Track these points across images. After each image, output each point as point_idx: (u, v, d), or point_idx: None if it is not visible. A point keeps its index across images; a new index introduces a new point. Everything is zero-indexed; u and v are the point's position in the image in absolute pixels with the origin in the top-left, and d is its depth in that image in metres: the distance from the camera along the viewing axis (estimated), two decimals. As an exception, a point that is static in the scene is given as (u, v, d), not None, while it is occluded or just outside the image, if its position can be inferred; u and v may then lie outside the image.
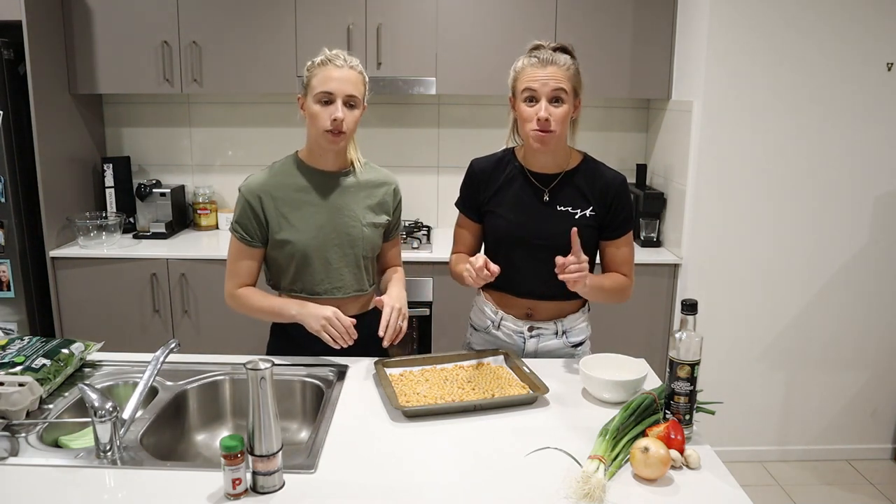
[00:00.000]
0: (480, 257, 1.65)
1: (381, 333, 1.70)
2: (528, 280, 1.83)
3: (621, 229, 1.82)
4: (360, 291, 1.86)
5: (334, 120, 1.68)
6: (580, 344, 1.92)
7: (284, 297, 1.83)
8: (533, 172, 1.81)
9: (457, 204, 1.93)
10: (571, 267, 1.62)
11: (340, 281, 1.82)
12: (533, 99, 1.69)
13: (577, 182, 1.80)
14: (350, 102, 1.70)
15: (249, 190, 1.77)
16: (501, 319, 1.89)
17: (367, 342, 1.87)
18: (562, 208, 1.79)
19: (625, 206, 1.81)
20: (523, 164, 1.83)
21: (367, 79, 1.77)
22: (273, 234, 1.78)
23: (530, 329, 1.87)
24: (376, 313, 1.91)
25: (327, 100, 1.69)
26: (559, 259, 1.62)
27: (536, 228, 1.79)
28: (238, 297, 1.81)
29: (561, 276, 1.62)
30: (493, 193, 1.83)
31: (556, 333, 1.88)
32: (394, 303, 1.73)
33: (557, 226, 1.77)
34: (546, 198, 1.80)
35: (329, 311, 1.69)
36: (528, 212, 1.80)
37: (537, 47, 1.74)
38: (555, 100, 1.68)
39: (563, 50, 1.73)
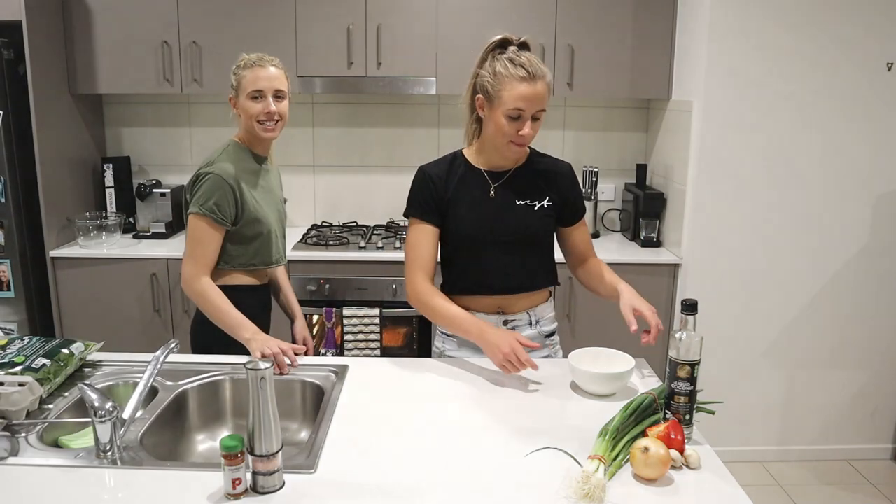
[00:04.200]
0: (518, 351, 1.64)
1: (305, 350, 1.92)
2: (498, 277, 1.83)
3: (578, 213, 1.91)
4: (286, 258, 2.16)
5: (268, 112, 1.90)
6: (552, 334, 1.93)
7: (241, 316, 1.85)
8: (488, 171, 1.83)
9: (412, 214, 1.83)
10: (654, 327, 1.67)
11: (281, 251, 2.09)
12: (518, 117, 1.68)
13: (530, 175, 1.84)
14: (278, 95, 1.93)
15: (229, 174, 1.89)
16: None
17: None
18: (521, 202, 1.82)
19: (577, 191, 1.90)
20: (476, 164, 1.83)
21: (287, 74, 1.99)
22: (248, 213, 1.92)
23: (504, 323, 1.86)
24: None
25: (259, 96, 1.90)
26: (644, 333, 1.67)
27: (501, 225, 1.80)
28: (203, 291, 1.86)
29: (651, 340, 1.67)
30: (451, 196, 1.81)
31: (530, 323, 1.89)
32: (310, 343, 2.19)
33: (520, 220, 1.81)
34: (492, 193, 1.80)
35: (277, 348, 1.75)
36: (489, 210, 1.80)
37: (506, 42, 1.71)
38: (536, 118, 1.71)
39: (526, 46, 1.73)
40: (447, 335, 1.92)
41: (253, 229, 1.95)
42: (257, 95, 1.90)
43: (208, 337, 1.92)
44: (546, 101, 1.69)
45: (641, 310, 1.71)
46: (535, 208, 1.82)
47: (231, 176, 1.89)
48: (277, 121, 1.94)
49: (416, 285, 1.80)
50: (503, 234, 1.80)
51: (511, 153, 1.75)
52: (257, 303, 2.04)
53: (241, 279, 1.99)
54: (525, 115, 1.68)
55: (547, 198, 1.84)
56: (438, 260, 1.86)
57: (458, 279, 1.88)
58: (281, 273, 2.21)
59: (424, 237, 1.82)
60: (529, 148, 1.87)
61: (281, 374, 1.72)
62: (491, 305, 1.85)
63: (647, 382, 1.70)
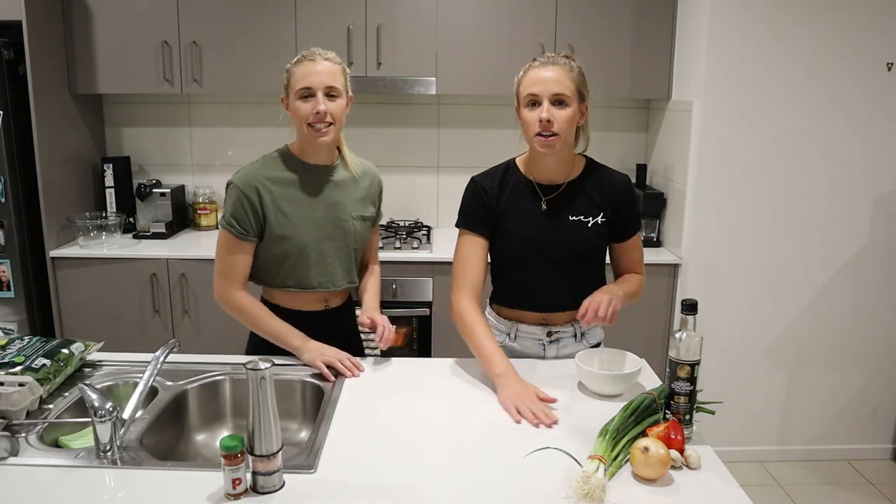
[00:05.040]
0: (536, 405, 1.53)
1: (382, 347, 1.76)
2: (544, 294, 1.79)
3: (632, 230, 1.81)
4: (351, 283, 1.89)
5: (317, 113, 1.69)
6: (598, 345, 1.89)
7: (288, 326, 1.80)
8: (539, 184, 1.77)
9: (463, 224, 1.80)
10: (601, 312, 1.60)
11: (332, 274, 1.84)
12: (535, 103, 1.65)
13: (585, 189, 1.76)
14: (331, 93, 1.72)
15: (246, 183, 1.75)
16: (517, 331, 1.84)
17: (348, 335, 1.96)
18: (574, 218, 1.75)
19: (633, 207, 1.80)
20: (528, 176, 1.78)
21: (347, 70, 1.78)
22: (271, 229, 1.77)
23: (549, 335, 1.83)
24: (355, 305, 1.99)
25: (308, 94, 1.70)
26: (581, 313, 1.62)
27: (550, 241, 1.75)
28: (239, 305, 1.78)
29: (593, 322, 1.62)
30: (502, 208, 1.77)
31: (575, 336, 1.84)
32: (383, 320, 1.82)
33: (572, 236, 1.75)
34: (543, 206, 1.75)
35: (333, 352, 1.74)
36: (541, 224, 1.75)
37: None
38: (557, 102, 1.64)
39: (569, 58, 1.70)
40: (498, 322, 1.89)
41: (279, 248, 1.78)
42: (306, 94, 1.70)
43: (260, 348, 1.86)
44: (565, 86, 1.62)
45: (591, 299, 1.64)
46: (589, 225, 1.75)
47: (250, 186, 1.74)
48: (330, 123, 1.72)
49: (461, 303, 1.75)
50: (552, 250, 1.75)
51: (542, 148, 1.66)
52: (307, 332, 1.79)
53: (281, 299, 1.85)
54: (540, 98, 1.63)
55: (601, 214, 1.76)
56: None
57: (504, 292, 1.85)
58: (369, 276, 2.00)
59: (474, 251, 1.78)
60: (587, 158, 1.81)
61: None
62: (536, 318, 1.82)
63: (647, 382, 1.70)
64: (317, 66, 1.70)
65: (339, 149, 1.88)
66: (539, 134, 1.65)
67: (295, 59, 1.74)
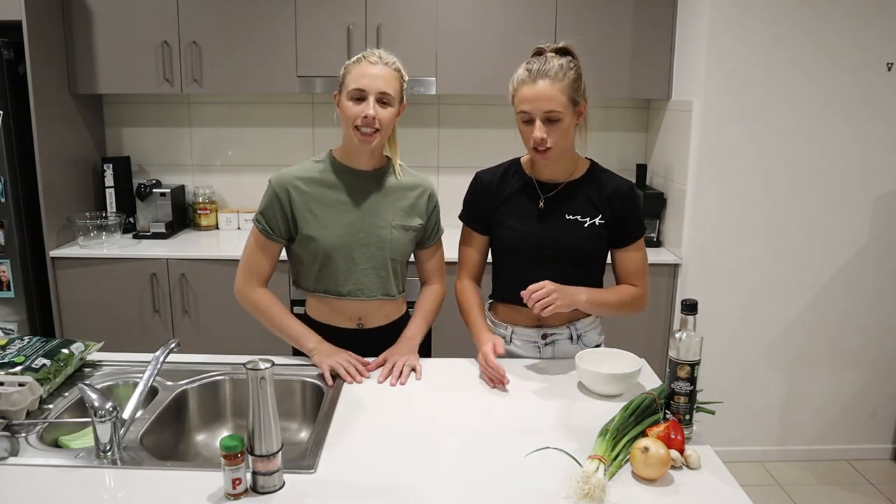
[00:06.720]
0: (489, 354, 1.67)
1: (380, 380, 1.71)
2: None
3: (631, 236, 1.80)
4: (387, 296, 1.83)
5: (365, 117, 1.66)
6: (597, 346, 1.88)
7: (304, 326, 1.79)
8: (540, 182, 1.79)
9: (461, 217, 1.89)
10: (534, 295, 1.61)
11: (364, 283, 1.79)
12: (529, 120, 1.65)
13: (585, 190, 1.77)
14: (383, 100, 1.68)
15: (279, 182, 1.75)
16: (513, 333, 1.86)
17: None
18: (571, 217, 1.76)
19: (633, 213, 1.78)
20: (530, 174, 1.80)
21: (405, 76, 1.75)
22: (301, 229, 1.75)
23: (544, 337, 1.84)
24: (406, 322, 1.91)
25: (359, 97, 1.67)
26: (523, 293, 1.63)
27: (547, 239, 1.76)
28: (257, 302, 1.78)
29: (532, 306, 1.62)
30: (500, 205, 1.80)
31: (571, 338, 1.84)
32: (396, 360, 1.75)
33: (568, 235, 1.75)
34: (541, 204, 1.77)
35: (342, 357, 1.73)
36: (535, 222, 1.77)
37: (538, 52, 1.68)
38: (550, 119, 1.63)
39: (565, 52, 1.66)
40: (495, 325, 1.92)
41: (308, 249, 1.76)
42: (358, 96, 1.67)
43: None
44: (556, 102, 1.61)
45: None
46: (586, 225, 1.75)
47: (283, 185, 1.74)
48: (377, 130, 1.68)
49: (459, 283, 1.89)
50: (547, 247, 1.76)
51: (538, 160, 1.70)
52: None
53: (316, 311, 1.84)
54: (532, 117, 1.63)
55: (600, 215, 1.76)
56: (490, 261, 1.91)
57: (501, 289, 1.87)
58: (424, 294, 1.93)
59: (470, 243, 1.89)
60: (591, 161, 1.82)
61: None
62: (531, 318, 1.81)
63: (647, 382, 1.70)
64: (374, 69, 1.67)
65: (389, 156, 1.85)
66: (534, 148, 1.67)
67: (354, 58, 1.71)
